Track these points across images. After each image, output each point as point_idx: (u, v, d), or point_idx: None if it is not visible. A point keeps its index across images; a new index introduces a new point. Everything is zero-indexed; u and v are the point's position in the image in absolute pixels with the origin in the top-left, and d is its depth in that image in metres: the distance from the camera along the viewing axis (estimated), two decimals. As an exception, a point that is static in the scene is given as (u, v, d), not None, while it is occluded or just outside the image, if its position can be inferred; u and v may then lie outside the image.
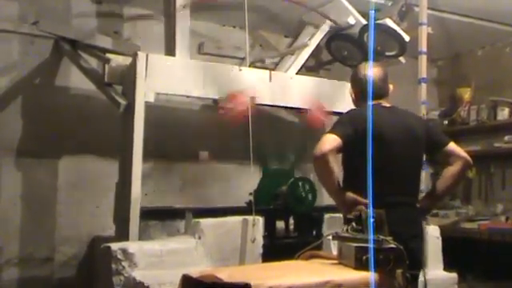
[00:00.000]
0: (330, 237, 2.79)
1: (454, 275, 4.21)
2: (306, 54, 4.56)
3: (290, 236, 4.32)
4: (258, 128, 3.84)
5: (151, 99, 3.68)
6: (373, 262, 2.27)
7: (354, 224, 2.52)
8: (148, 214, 3.82)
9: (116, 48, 4.16)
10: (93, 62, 4.23)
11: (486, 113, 5.58)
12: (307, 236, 4.15)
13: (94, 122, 4.38)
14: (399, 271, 2.38)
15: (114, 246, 3.31)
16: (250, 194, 4.23)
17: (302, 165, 4.96)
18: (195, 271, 2.48)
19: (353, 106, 3.21)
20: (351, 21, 4.54)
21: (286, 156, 5.07)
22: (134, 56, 3.71)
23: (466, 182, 5.89)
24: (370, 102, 2.98)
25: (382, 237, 2.38)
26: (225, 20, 5.08)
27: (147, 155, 3.72)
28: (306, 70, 4.90)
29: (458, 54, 6.19)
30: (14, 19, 4.31)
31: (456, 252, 4.31)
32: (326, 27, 4.62)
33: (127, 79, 3.82)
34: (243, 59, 4.66)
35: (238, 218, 3.70)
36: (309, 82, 4.38)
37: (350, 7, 4.51)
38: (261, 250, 3.70)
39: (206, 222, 3.60)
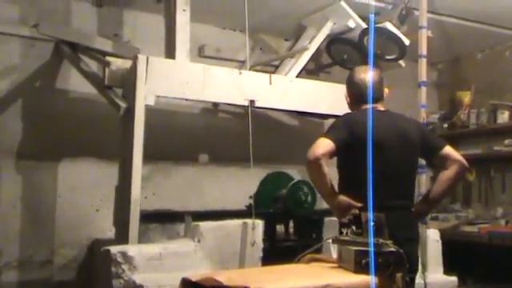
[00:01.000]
0: (330, 240, 2.78)
1: (454, 279, 4.22)
2: (306, 57, 4.57)
3: (290, 239, 4.33)
4: (257, 131, 3.84)
5: (151, 102, 3.68)
6: (373, 266, 2.27)
7: (353, 227, 2.52)
8: (148, 217, 3.82)
9: (116, 51, 4.16)
10: (93, 65, 4.24)
11: (486, 116, 5.57)
12: (307, 239, 4.16)
13: (94, 125, 4.38)
14: (399, 275, 2.38)
15: (114, 249, 3.31)
16: (250, 197, 4.23)
17: (302, 168, 4.95)
18: (195, 274, 2.48)
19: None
20: (351, 24, 4.55)
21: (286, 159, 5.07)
22: (135, 59, 3.71)
23: (466, 185, 5.89)
24: (370, 105, 2.99)
25: (381, 240, 2.38)
26: (225, 23, 5.09)
27: (147, 158, 3.72)
28: (306, 73, 4.91)
29: (457, 58, 6.19)
30: (15, 22, 4.32)
31: (456, 255, 4.31)
32: (326, 30, 4.63)
33: (127, 82, 3.83)
34: (243, 62, 4.67)
35: (237, 222, 3.70)
36: (309, 85, 4.38)
37: (350, 11, 4.52)
38: (260, 254, 3.69)
39: (205, 225, 3.59)
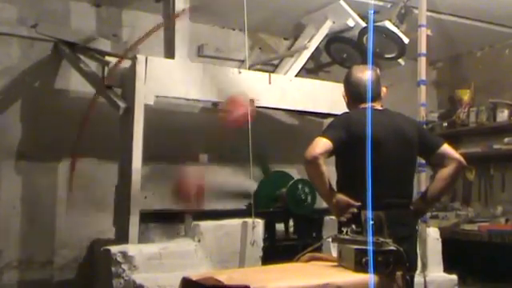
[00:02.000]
0: (330, 239, 2.78)
1: (453, 277, 4.22)
2: (305, 56, 4.57)
3: (290, 238, 4.32)
4: (257, 130, 3.84)
5: (151, 102, 3.68)
6: (372, 265, 2.27)
7: (353, 226, 2.52)
8: (148, 217, 3.83)
9: (115, 51, 4.16)
10: (92, 65, 4.23)
11: (486, 114, 5.57)
12: (307, 238, 4.15)
13: (94, 125, 4.37)
14: (399, 273, 2.38)
15: (114, 248, 3.31)
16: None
17: (302, 167, 4.95)
18: (195, 274, 2.48)
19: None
20: (350, 23, 4.55)
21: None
22: (134, 59, 3.71)
23: (465, 183, 5.89)
24: (369, 104, 2.98)
25: (381, 239, 2.38)
26: (224, 22, 5.09)
27: (146, 158, 3.72)
28: (306, 72, 4.91)
29: (457, 56, 6.19)
30: (14, 22, 4.32)
31: (456, 254, 4.31)
32: (325, 29, 4.63)
33: (127, 82, 3.83)
34: (243, 62, 4.67)
35: (237, 221, 3.70)
36: (308, 84, 4.38)
37: (350, 10, 4.52)
38: (260, 253, 3.70)
39: (205, 225, 3.60)
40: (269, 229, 4.00)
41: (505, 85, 5.59)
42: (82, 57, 4.22)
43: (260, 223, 3.74)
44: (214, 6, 4.63)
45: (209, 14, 4.77)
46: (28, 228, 4.28)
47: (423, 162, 3.91)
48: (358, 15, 4.54)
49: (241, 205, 4.36)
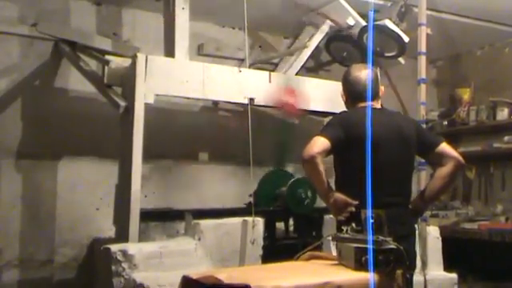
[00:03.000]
0: (330, 238, 2.79)
1: (453, 275, 4.22)
2: (305, 55, 4.57)
3: (290, 237, 4.33)
4: (257, 129, 3.84)
5: (151, 101, 3.68)
6: (372, 263, 2.27)
7: (353, 224, 2.52)
8: (148, 216, 3.83)
9: (115, 50, 4.16)
10: (92, 64, 4.23)
11: (486, 113, 5.57)
12: (307, 237, 4.15)
13: (94, 124, 4.38)
14: (399, 272, 2.38)
15: (114, 247, 3.31)
16: (250, 195, 4.24)
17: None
18: (195, 272, 2.48)
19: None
20: (350, 22, 4.54)
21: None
22: (134, 58, 3.71)
23: (465, 182, 5.90)
24: (369, 103, 2.99)
25: (381, 237, 2.38)
26: (224, 21, 5.08)
27: (147, 157, 3.72)
28: (306, 71, 4.91)
29: (457, 55, 6.19)
30: (14, 21, 4.31)
31: (456, 252, 4.31)
32: (325, 28, 4.63)
33: (127, 81, 3.82)
34: (243, 60, 4.67)
35: (237, 220, 3.70)
36: (308, 83, 4.38)
37: (350, 8, 4.52)
38: (260, 251, 3.70)
39: (205, 224, 3.60)
40: (269, 227, 4.00)
41: (505, 83, 5.59)
42: (82, 55, 4.22)
43: (260, 222, 3.74)
44: (214, 5, 4.63)
45: (209, 13, 4.77)
46: (28, 227, 4.28)
47: (423, 160, 3.91)
48: (358, 14, 4.54)
49: (241, 203, 4.37)
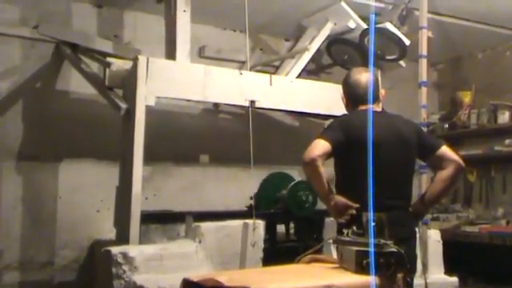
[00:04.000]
0: (331, 240, 2.78)
1: (454, 279, 4.22)
2: (306, 57, 4.57)
3: (291, 240, 4.32)
4: (258, 132, 3.84)
5: (152, 103, 3.68)
6: (373, 266, 2.27)
7: (354, 228, 2.52)
8: (148, 218, 3.83)
9: (117, 52, 4.16)
10: (93, 66, 4.24)
11: (487, 116, 5.57)
12: (308, 240, 4.15)
13: (95, 126, 4.38)
14: (400, 275, 2.38)
15: (115, 249, 3.31)
16: (251, 197, 4.23)
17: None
18: (196, 275, 2.48)
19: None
20: (352, 25, 4.55)
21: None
22: (135, 60, 3.71)
23: (466, 185, 5.89)
24: (370, 106, 2.99)
25: (382, 241, 2.38)
26: (225, 24, 5.09)
27: (148, 159, 3.72)
28: (307, 73, 4.91)
29: (458, 58, 6.19)
30: (15, 23, 4.32)
31: (457, 256, 4.31)
32: (326, 31, 4.63)
33: (128, 83, 3.83)
34: (244, 63, 4.67)
35: (238, 222, 3.70)
36: (309, 85, 4.38)
37: (351, 11, 4.52)
38: (261, 254, 3.70)
39: (206, 226, 3.60)
40: (270, 230, 4.00)
41: (506, 86, 5.59)
42: (83, 58, 4.22)
43: (261, 224, 3.74)
44: (216, 8, 4.63)
45: (210, 16, 4.78)
46: (29, 229, 4.27)
47: (424, 163, 3.91)
48: (359, 17, 4.54)
49: (242, 206, 4.37)
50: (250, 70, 4.46)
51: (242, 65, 4.84)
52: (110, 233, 3.99)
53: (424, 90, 4.38)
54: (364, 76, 3.08)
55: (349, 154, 2.86)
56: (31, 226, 4.28)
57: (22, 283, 4.23)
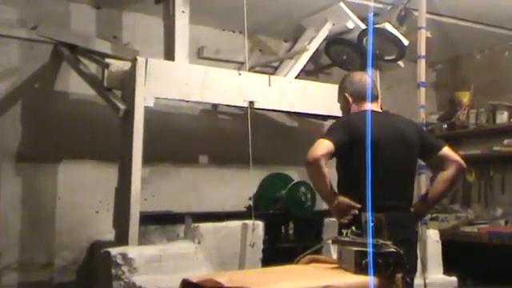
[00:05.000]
0: (330, 241, 2.79)
1: (453, 279, 4.22)
2: (305, 58, 4.57)
3: (290, 240, 4.32)
4: (257, 132, 3.84)
5: (151, 104, 3.68)
6: (372, 267, 2.27)
7: (353, 228, 2.52)
8: (147, 219, 3.83)
9: (115, 53, 4.16)
10: (92, 67, 4.23)
11: (485, 116, 5.57)
12: (307, 240, 4.15)
13: (94, 127, 4.38)
14: (399, 275, 2.38)
15: (114, 250, 3.31)
16: (250, 198, 4.24)
17: (302, 169, 4.96)
18: (195, 276, 2.48)
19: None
20: (350, 25, 4.55)
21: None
22: (134, 61, 3.71)
23: (465, 185, 5.89)
24: (369, 107, 2.99)
25: (381, 241, 2.38)
26: (224, 24, 5.09)
27: (146, 160, 3.72)
28: (306, 74, 4.91)
29: (457, 58, 6.19)
30: (14, 24, 4.31)
31: (456, 256, 4.31)
32: (325, 31, 4.63)
33: (127, 84, 3.83)
34: (243, 64, 4.67)
35: (237, 223, 3.70)
36: (308, 86, 4.38)
37: (349, 12, 4.52)
38: (260, 255, 3.70)
39: (205, 227, 3.60)
40: (269, 231, 4.00)
41: (504, 87, 5.59)
42: (82, 59, 4.21)
43: (260, 225, 3.74)
44: (214, 8, 4.63)
45: (209, 16, 4.78)
46: (28, 230, 4.27)
47: (423, 164, 3.92)
48: (358, 17, 4.55)
49: (241, 207, 4.37)
50: (249, 70, 4.46)
51: (240, 65, 4.84)
52: (110, 234, 3.99)
53: (423, 90, 4.38)
54: (366, 76, 3.15)
55: (351, 154, 2.86)
56: (30, 227, 4.28)
57: (21, 284, 4.23)
